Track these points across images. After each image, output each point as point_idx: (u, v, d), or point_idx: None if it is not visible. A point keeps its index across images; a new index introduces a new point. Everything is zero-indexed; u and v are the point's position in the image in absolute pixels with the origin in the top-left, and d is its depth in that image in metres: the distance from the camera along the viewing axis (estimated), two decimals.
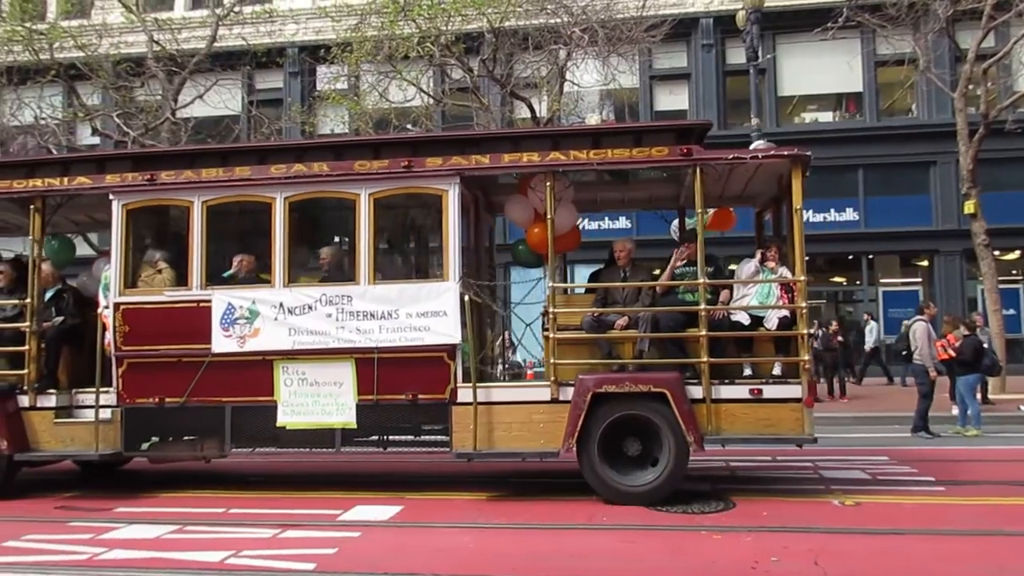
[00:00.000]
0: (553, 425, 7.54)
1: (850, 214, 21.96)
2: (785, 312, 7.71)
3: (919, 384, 12.25)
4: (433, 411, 7.86)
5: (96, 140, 20.59)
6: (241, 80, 21.94)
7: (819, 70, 22.20)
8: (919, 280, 22.51)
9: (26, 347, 8.35)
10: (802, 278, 7.59)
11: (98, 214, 9.35)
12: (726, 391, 7.48)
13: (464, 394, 7.71)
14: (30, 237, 8.60)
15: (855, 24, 18.17)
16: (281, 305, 8.05)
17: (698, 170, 7.63)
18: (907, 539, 6.17)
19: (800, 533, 6.26)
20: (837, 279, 23.74)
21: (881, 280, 22.55)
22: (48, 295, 8.78)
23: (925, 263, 22.31)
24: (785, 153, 7.76)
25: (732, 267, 8.62)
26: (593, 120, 22.18)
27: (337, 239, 8.72)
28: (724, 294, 8.14)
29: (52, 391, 8.50)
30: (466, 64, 17.53)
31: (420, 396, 7.81)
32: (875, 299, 22.32)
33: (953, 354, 12.48)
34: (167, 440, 8.59)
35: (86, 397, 8.43)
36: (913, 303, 18.12)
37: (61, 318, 8.76)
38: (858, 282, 22.84)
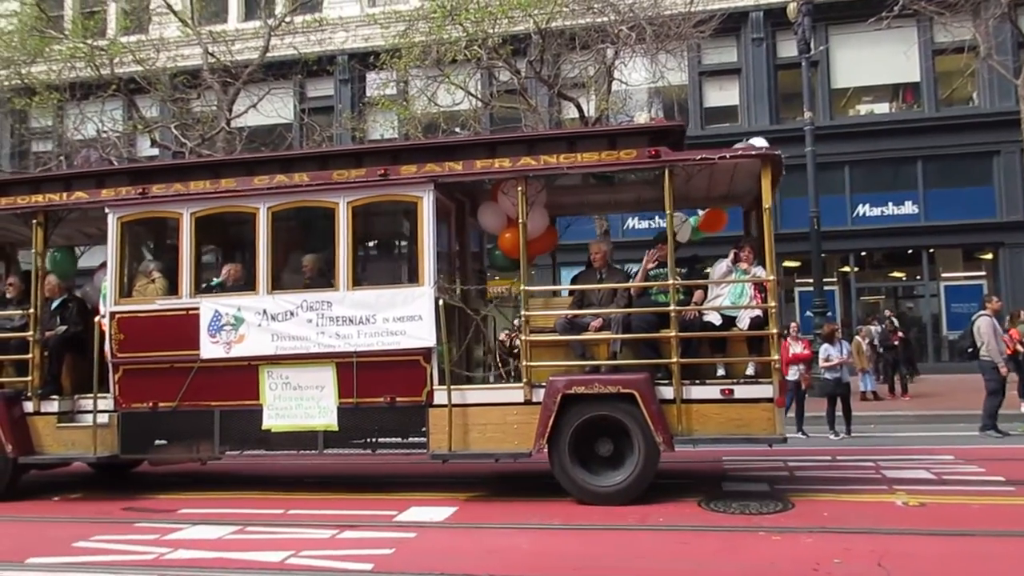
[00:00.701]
0: (527, 426, 7.59)
1: (909, 207, 21.42)
2: (757, 312, 7.62)
3: (987, 381, 11.85)
4: (411, 413, 7.94)
5: (155, 151, 21.14)
6: (293, 89, 22.34)
7: (874, 60, 21.70)
8: (983, 274, 21.83)
9: (30, 355, 8.72)
10: (771, 278, 7.52)
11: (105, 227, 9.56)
12: (697, 391, 7.47)
13: (440, 396, 7.80)
14: (32, 250, 8.97)
15: (911, 12, 17.71)
16: (265, 312, 8.24)
17: (667, 172, 7.62)
18: (977, 540, 5.97)
19: (863, 534, 6.10)
20: (896, 275, 23.16)
21: (943, 275, 21.92)
22: (54, 305, 9.14)
23: (989, 256, 21.62)
24: (752, 153, 7.73)
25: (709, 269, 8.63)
26: (642, 119, 22.03)
27: (318, 247, 8.81)
28: (698, 294, 8.06)
29: (55, 397, 8.82)
30: (513, 66, 17.57)
31: (398, 399, 7.93)
32: (937, 294, 21.72)
33: (1022, 349, 12.08)
34: (162, 443, 8.78)
35: (87, 402, 8.70)
36: (977, 298, 17.60)
37: (64, 327, 9.04)
38: (919, 277, 22.22)
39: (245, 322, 8.25)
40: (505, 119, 20.39)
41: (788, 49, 21.31)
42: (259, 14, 21.25)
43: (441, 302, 7.86)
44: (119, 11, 21.82)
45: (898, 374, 17.20)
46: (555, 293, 9.08)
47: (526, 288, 7.89)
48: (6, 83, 20.23)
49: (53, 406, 8.80)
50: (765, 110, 21.85)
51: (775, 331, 7.41)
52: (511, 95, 18.80)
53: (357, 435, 8.25)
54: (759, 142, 8.46)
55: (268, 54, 19.70)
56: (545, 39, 16.81)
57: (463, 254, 9.59)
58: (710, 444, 7.94)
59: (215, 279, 8.84)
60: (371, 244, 10.04)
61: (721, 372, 7.71)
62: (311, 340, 8.09)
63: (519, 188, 7.86)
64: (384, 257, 10.13)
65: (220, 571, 5.59)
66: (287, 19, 20.24)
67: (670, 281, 7.57)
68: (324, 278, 8.47)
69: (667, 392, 7.45)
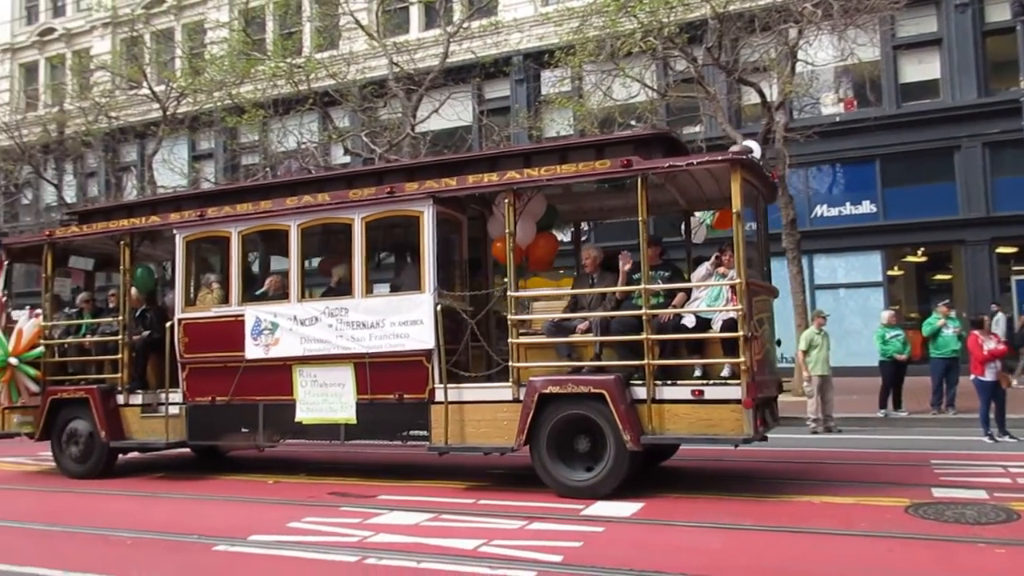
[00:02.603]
0: (514, 423, 8.04)
1: None
2: (731, 314, 7.57)
3: None
4: (416, 409, 8.56)
5: (347, 159, 22.52)
6: (471, 91, 23.04)
7: None
8: None
9: (120, 356, 10.20)
10: (738, 280, 7.50)
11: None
12: (668, 392, 7.64)
13: (441, 393, 8.38)
14: (121, 266, 10.38)
15: None
16: (295, 317, 9.19)
17: (640, 179, 7.80)
18: None
19: None
20: None
21: None
22: (137, 313, 10.55)
23: None
24: (720, 158, 7.80)
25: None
26: (830, 99, 20.85)
27: (338, 259, 9.65)
28: (679, 297, 8.16)
29: (140, 391, 10.21)
30: (690, 54, 17.15)
31: (405, 396, 8.61)
32: None
33: None
34: (222, 432, 9.78)
35: (168, 396, 9.91)
36: None
37: (147, 332, 10.41)
38: None
39: (280, 327, 9.26)
40: (682, 109, 19.98)
41: (998, 13, 19.37)
42: (438, 22, 22.07)
43: (439, 307, 8.41)
44: (313, 30, 23.43)
45: None
46: (534, 299, 9.24)
47: (513, 294, 8.31)
48: (219, 104, 22.29)
49: (138, 399, 10.19)
50: (972, 82, 19.97)
51: (742, 334, 7.38)
52: (688, 84, 18.37)
53: (373, 428, 8.94)
54: (755, 148, 8.87)
55: (448, 60, 20.42)
56: (723, 23, 16.28)
57: (483, 263, 9.99)
58: (681, 444, 8.33)
59: (260, 289, 9.91)
60: (382, 255, 10.81)
61: (698, 373, 7.84)
62: (332, 343, 8.95)
63: (506, 200, 8.30)
64: (393, 267, 10.87)
65: (419, 555, 5.84)
66: (464, 25, 20.88)
67: (642, 286, 7.79)
68: (342, 287, 9.35)
69: (641, 392, 7.67)
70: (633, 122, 19.19)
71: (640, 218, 7.84)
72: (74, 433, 10.37)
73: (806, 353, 13.02)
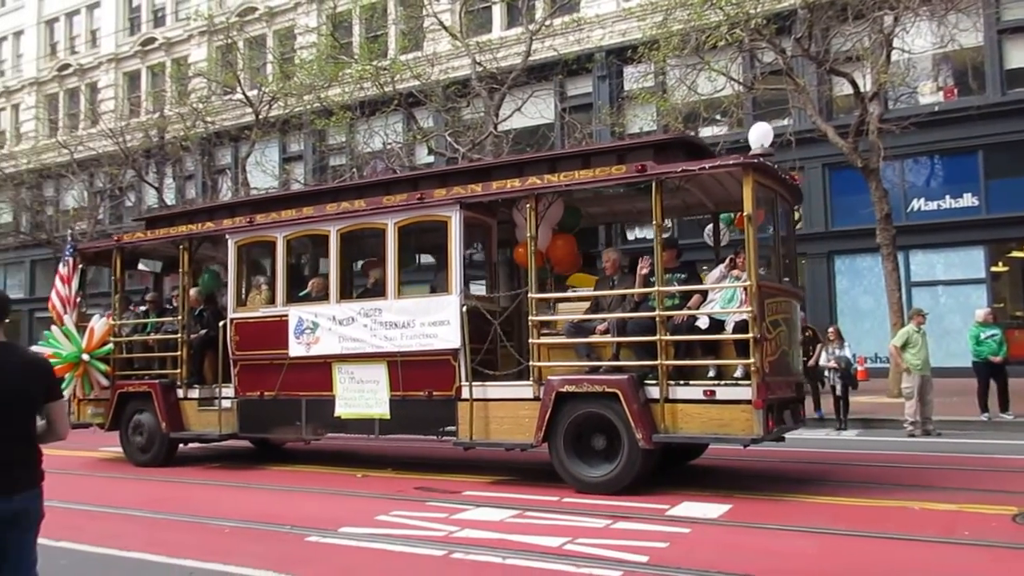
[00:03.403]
0: (534, 420, 8.29)
1: None
2: (743, 316, 7.59)
3: None
4: (444, 405, 8.91)
5: (431, 159, 22.83)
6: (553, 89, 22.99)
7: None
8: None
9: (179, 353, 10.89)
10: (748, 283, 7.56)
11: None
12: (681, 392, 7.76)
13: (467, 391, 8.69)
14: (180, 269, 11.08)
15: None
16: (334, 318, 9.66)
17: (654, 184, 7.93)
18: None
19: None
20: None
21: None
22: (196, 313, 11.28)
23: None
24: (731, 162, 7.90)
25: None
26: (927, 88, 19.97)
27: (374, 261, 10.09)
28: (695, 299, 8.27)
29: (197, 386, 10.90)
30: (778, 45, 16.68)
31: (434, 393, 8.98)
32: None
33: None
34: (270, 425, 10.41)
35: (221, 391, 10.54)
36: None
37: (205, 331, 11.07)
38: None
39: (320, 326, 9.74)
40: (770, 102, 19.48)
41: None
42: (521, 20, 22.13)
43: (465, 308, 8.70)
44: (398, 33, 23.83)
45: None
46: (558, 301, 9.39)
47: (533, 295, 8.55)
48: (308, 107, 22.91)
49: (195, 393, 10.89)
50: None
51: (752, 336, 7.42)
52: (776, 76, 17.88)
53: (405, 423, 9.35)
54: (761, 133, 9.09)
55: (530, 58, 20.44)
56: (813, 12, 15.79)
57: (517, 266, 10.09)
58: (692, 443, 8.42)
59: (304, 291, 10.41)
60: (414, 258, 11.14)
61: (712, 374, 7.92)
62: (367, 342, 9.38)
63: (528, 205, 8.59)
64: (423, 269, 11.37)
65: (505, 552, 5.88)
66: (547, 22, 20.87)
67: (657, 288, 7.90)
68: (377, 288, 9.77)
69: (654, 392, 7.79)
70: (718, 116, 18.84)
71: (655, 221, 8.01)
72: (139, 424, 11.13)
73: (902, 350, 12.51)
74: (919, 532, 6.22)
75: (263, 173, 25.70)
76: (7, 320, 3.67)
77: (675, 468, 9.26)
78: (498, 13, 24.77)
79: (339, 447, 11.88)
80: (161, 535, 6.91)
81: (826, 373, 14.06)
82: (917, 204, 20.06)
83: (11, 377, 3.50)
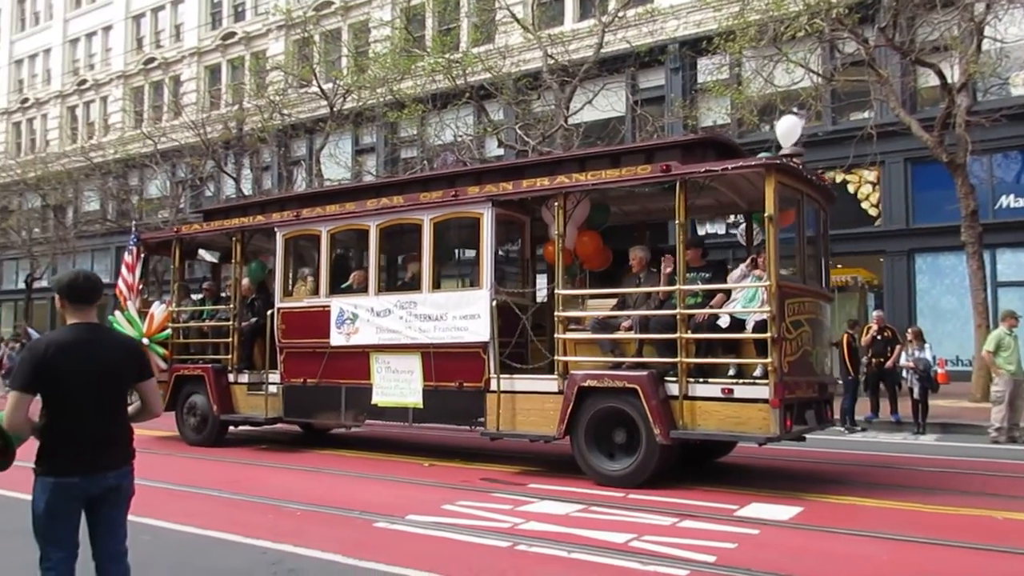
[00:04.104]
0: (558, 413, 8.48)
1: None
2: (763, 316, 7.61)
3: None
4: (474, 396, 9.17)
5: (500, 151, 22.89)
6: (625, 82, 22.75)
7: None
8: None
9: (230, 339, 11.47)
10: (767, 283, 7.60)
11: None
12: (700, 389, 7.86)
13: (495, 383, 8.96)
14: (233, 259, 11.63)
15: None
16: (372, 309, 10.03)
17: (678, 184, 8.04)
18: None
19: None
20: None
21: None
22: (247, 302, 11.79)
23: None
24: (752, 163, 7.98)
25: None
26: (1020, 80, 19.06)
27: (410, 256, 10.42)
28: (718, 298, 8.30)
29: (247, 371, 11.46)
30: (860, 35, 16.17)
31: (465, 384, 9.27)
32: None
33: None
34: (312, 410, 10.80)
35: (268, 376, 11.13)
36: None
37: (255, 319, 11.57)
38: None
39: (359, 317, 10.11)
40: (850, 94, 18.91)
41: None
42: (593, 12, 21.96)
43: (495, 303, 8.94)
44: (471, 26, 23.95)
45: None
46: (585, 297, 9.48)
47: (560, 291, 8.75)
48: (381, 100, 23.24)
49: (245, 378, 11.47)
50: None
51: (770, 335, 7.46)
52: (857, 67, 17.34)
53: (437, 412, 9.59)
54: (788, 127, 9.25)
55: (602, 50, 20.29)
56: (899, 1, 15.24)
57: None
58: (710, 440, 8.35)
59: (346, 283, 10.74)
60: (447, 253, 11.39)
61: (732, 372, 7.93)
62: (402, 333, 9.71)
63: (556, 203, 8.77)
64: (457, 264, 11.68)
65: (570, 546, 5.88)
66: (620, 14, 20.66)
67: (678, 286, 8.01)
68: (412, 281, 10.12)
69: (674, 388, 7.91)
70: (795, 109, 18.34)
71: (677, 221, 8.10)
72: (193, 406, 11.76)
73: (994, 354, 11.99)
74: (1000, 543, 5.97)
75: (336, 165, 26.20)
76: (97, 303, 3.83)
77: (698, 466, 9.24)
78: (570, 5, 24.63)
79: (396, 436, 12.05)
80: (236, 515, 7.13)
81: (904, 375, 13.61)
82: (1006, 201, 19.18)
83: (103, 358, 3.66)
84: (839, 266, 19.86)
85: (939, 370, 15.15)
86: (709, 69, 20.40)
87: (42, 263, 33.45)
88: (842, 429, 13.40)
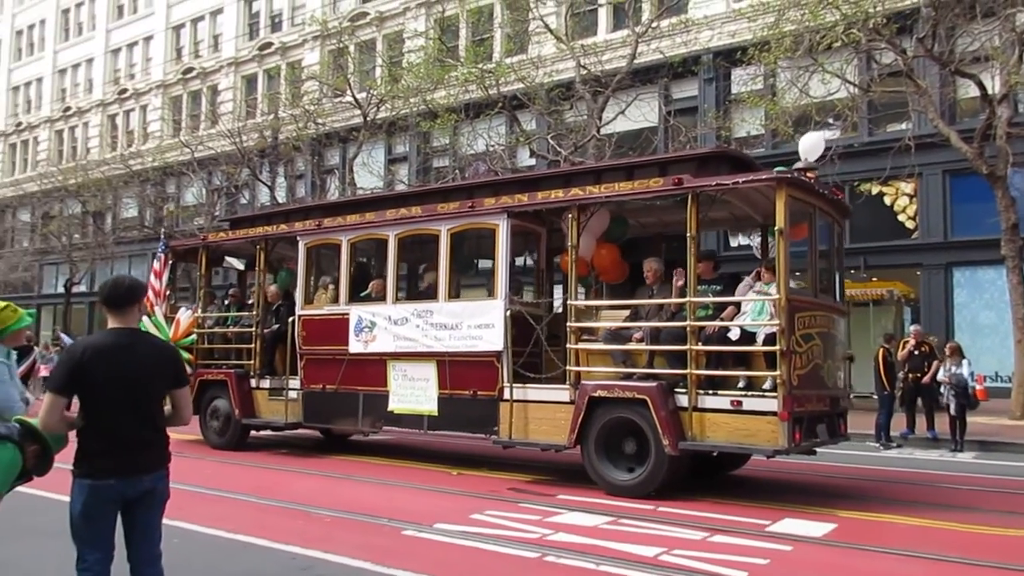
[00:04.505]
0: (570, 422, 8.55)
1: None
2: (773, 329, 7.63)
3: None
4: (487, 405, 9.25)
5: (532, 161, 22.92)
6: (658, 92, 22.68)
7: None
8: None
9: (253, 345, 11.71)
10: (776, 296, 7.65)
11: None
12: (709, 401, 7.90)
13: (508, 392, 9.05)
14: (256, 267, 11.93)
15: None
16: (389, 317, 10.17)
17: (690, 197, 8.10)
18: None
19: None
20: None
21: None
22: (273, 308, 11.96)
23: None
24: (764, 177, 7.97)
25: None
26: None
27: (427, 265, 10.62)
28: (728, 310, 8.31)
29: (269, 376, 11.61)
30: (898, 45, 15.97)
31: (479, 392, 9.34)
32: None
33: None
34: (331, 416, 10.93)
35: (289, 382, 11.32)
36: None
37: (277, 325, 11.75)
38: None
39: (377, 325, 10.26)
40: (887, 105, 18.69)
41: None
42: (627, 23, 21.94)
43: (509, 313, 9.06)
44: (504, 36, 24.05)
45: None
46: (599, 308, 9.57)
47: (572, 302, 8.87)
48: (414, 109, 23.41)
49: (267, 383, 11.62)
50: None
51: (779, 348, 7.48)
52: (894, 78, 17.11)
53: (451, 420, 9.68)
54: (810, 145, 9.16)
55: (635, 60, 20.24)
56: (938, 11, 15.04)
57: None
58: (718, 451, 8.37)
59: (365, 291, 10.86)
60: (466, 263, 11.42)
61: (742, 385, 7.94)
62: (418, 341, 9.85)
63: (570, 215, 8.85)
64: (473, 274, 11.86)
65: (600, 558, 5.83)
66: (653, 24, 20.62)
67: (688, 299, 8.03)
68: (429, 290, 10.27)
69: (684, 400, 7.95)
70: (831, 120, 18.16)
71: (689, 234, 8.11)
72: (216, 410, 11.96)
73: None
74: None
75: (369, 174, 26.41)
76: (136, 308, 3.88)
77: (712, 478, 9.18)
78: (604, 15, 24.65)
79: (423, 444, 12.07)
80: (265, 519, 7.18)
81: (941, 391, 13.35)
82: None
83: (139, 363, 3.71)
84: (874, 279, 19.59)
85: (977, 386, 14.87)
86: (743, 80, 20.26)
87: (81, 268, 34.10)
88: (877, 445, 13.18)
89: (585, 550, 6.06)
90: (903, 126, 18.78)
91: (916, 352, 13.83)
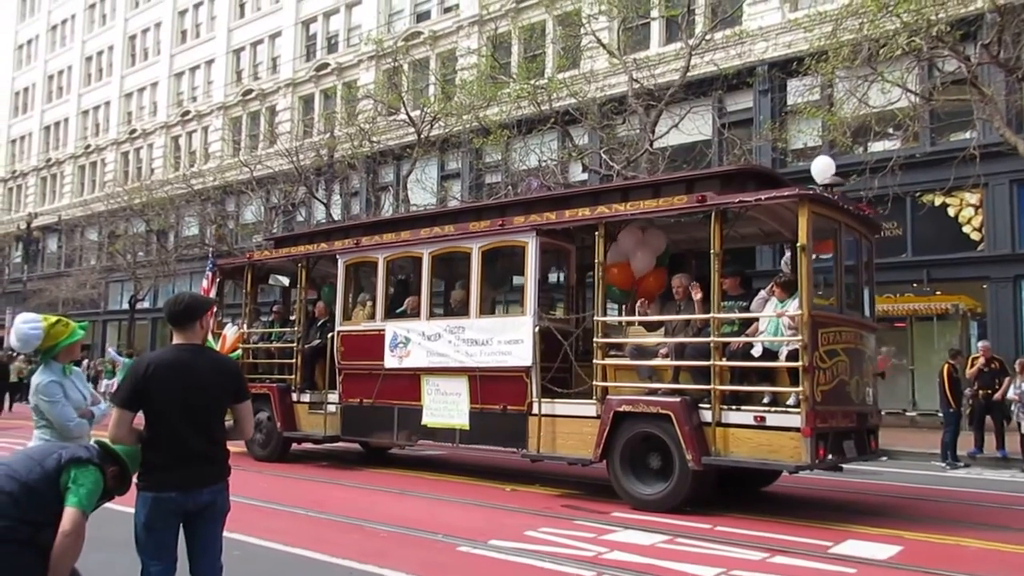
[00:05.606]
0: (595, 437, 8.64)
1: None
2: (796, 344, 7.60)
3: None
4: (517, 419, 9.41)
5: (584, 176, 22.87)
6: (712, 105, 22.44)
7: None
8: None
9: (294, 360, 12.08)
10: (796, 312, 7.67)
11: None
12: (733, 416, 7.92)
13: (537, 407, 9.21)
14: (298, 284, 12.27)
15: None
16: (423, 333, 10.44)
17: (714, 214, 8.21)
18: None
19: None
20: None
21: None
22: (318, 324, 12.21)
23: None
24: (786, 194, 8.02)
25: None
26: None
27: (460, 282, 10.80)
28: (753, 326, 8.27)
29: (309, 391, 11.92)
30: (962, 53, 15.52)
31: (509, 407, 9.51)
32: None
33: None
34: (368, 429, 11.18)
35: (329, 396, 11.62)
36: None
37: (318, 340, 11.97)
38: None
39: (411, 341, 10.53)
40: (950, 114, 18.19)
41: None
42: (680, 36, 21.80)
43: (538, 329, 9.23)
44: (556, 52, 24.11)
45: None
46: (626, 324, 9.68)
47: (599, 318, 8.96)
48: (467, 126, 23.59)
49: (307, 397, 11.95)
50: None
51: (801, 364, 7.47)
52: (958, 86, 16.64)
53: (482, 434, 9.81)
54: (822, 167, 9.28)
55: (688, 73, 20.08)
56: (1004, 16, 14.59)
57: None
58: (740, 466, 8.18)
59: (401, 308, 11.15)
60: (493, 280, 11.42)
61: (767, 400, 7.93)
62: (450, 357, 10.07)
63: (597, 232, 9.01)
64: (502, 290, 12.13)
65: None
66: (707, 37, 20.45)
67: (712, 314, 8.12)
68: (461, 307, 10.44)
69: (707, 415, 7.99)
70: (891, 130, 17.73)
71: (712, 250, 8.19)
72: (259, 423, 12.04)
73: None
74: None
75: (423, 190, 26.65)
76: (199, 324, 3.96)
77: (746, 494, 9.08)
78: (656, 29, 24.54)
79: (477, 460, 12.05)
80: (322, 533, 7.25)
81: (1012, 408, 12.86)
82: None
83: (204, 378, 3.79)
84: (938, 292, 19.01)
85: None
86: (799, 91, 19.92)
87: (145, 285, 35.09)
88: (943, 464, 12.76)
89: (641, 569, 5.98)
90: (967, 135, 18.23)
91: (986, 369, 13.36)
